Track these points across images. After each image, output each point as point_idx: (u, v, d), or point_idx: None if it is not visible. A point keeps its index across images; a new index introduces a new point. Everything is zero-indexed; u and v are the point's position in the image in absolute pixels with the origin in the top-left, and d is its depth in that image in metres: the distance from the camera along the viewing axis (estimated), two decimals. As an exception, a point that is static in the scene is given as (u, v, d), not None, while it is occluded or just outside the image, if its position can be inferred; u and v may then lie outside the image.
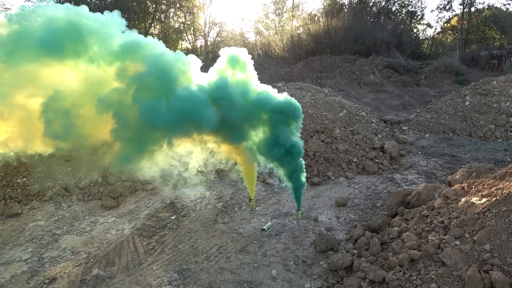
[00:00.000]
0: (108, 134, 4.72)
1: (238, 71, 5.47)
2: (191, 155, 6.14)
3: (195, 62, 5.34)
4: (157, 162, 5.44)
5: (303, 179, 5.79)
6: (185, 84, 5.00)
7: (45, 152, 5.26)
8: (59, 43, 4.50)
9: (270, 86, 5.60)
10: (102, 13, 5.01)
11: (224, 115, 5.07)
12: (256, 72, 5.63)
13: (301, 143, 5.66)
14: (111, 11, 5.08)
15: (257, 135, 5.54)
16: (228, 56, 5.44)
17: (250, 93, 5.33)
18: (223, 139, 5.51)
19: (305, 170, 5.88)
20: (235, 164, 6.44)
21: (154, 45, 5.05)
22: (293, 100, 5.51)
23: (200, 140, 5.53)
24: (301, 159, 5.70)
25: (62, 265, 5.13)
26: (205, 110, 4.87)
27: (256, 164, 6.16)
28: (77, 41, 4.59)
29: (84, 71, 4.79)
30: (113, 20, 5.01)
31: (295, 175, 5.70)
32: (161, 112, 4.68)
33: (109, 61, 4.75)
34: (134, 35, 5.04)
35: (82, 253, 5.43)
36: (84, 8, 4.81)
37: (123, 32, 5.04)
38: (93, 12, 5.00)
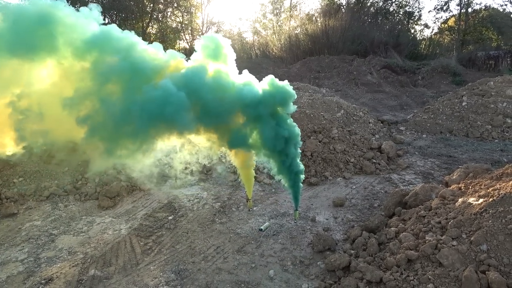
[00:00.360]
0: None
1: (219, 63, 5.10)
2: (176, 151, 6.03)
3: (174, 55, 5.03)
4: (138, 162, 5.30)
5: (299, 171, 5.65)
6: (159, 81, 4.64)
7: (15, 153, 5.13)
8: (29, 43, 4.30)
9: (252, 76, 5.34)
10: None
11: (202, 116, 4.84)
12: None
13: (296, 131, 5.41)
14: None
15: (246, 131, 5.30)
16: (208, 46, 5.04)
17: (230, 89, 4.99)
18: (208, 135, 5.32)
19: (300, 162, 5.70)
20: (222, 155, 6.28)
21: (125, 37, 4.73)
22: (278, 84, 5.20)
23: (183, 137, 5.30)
24: (296, 150, 5.50)
25: (58, 265, 5.10)
26: (182, 113, 4.58)
27: (254, 164, 6.15)
28: (47, 39, 4.36)
29: (55, 70, 4.58)
30: (90, 15, 4.77)
31: (290, 167, 5.55)
32: (132, 117, 4.42)
33: (77, 57, 4.50)
34: (105, 28, 4.72)
35: (78, 253, 5.40)
36: (58, 3, 4.56)
37: (100, 26, 4.80)
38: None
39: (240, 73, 5.36)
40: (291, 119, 5.52)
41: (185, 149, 6.02)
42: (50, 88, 4.64)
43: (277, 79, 5.30)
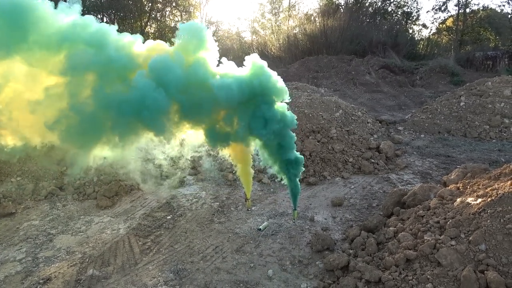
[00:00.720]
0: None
1: (199, 54, 4.84)
2: (163, 146, 5.96)
3: (154, 46, 4.78)
4: (119, 160, 5.20)
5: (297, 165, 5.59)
6: (133, 77, 4.36)
7: None
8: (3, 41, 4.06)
9: (233, 64, 5.18)
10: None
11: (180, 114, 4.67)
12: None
13: (291, 119, 5.25)
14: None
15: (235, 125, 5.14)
16: (187, 38, 4.76)
17: (208, 84, 4.73)
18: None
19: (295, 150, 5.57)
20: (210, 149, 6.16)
21: (99, 29, 4.43)
22: (263, 70, 5.04)
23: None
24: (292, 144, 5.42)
25: (57, 265, 5.09)
26: (158, 117, 4.37)
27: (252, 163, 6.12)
28: (17, 35, 4.08)
29: (26, 67, 4.31)
30: (69, 10, 4.49)
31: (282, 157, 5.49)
32: (106, 119, 4.24)
33: (47, 53, 4.24)
34: (76, 21, 4.37)
35: (77, 253, 5.39)
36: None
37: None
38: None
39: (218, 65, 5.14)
40: (282, 105, 5.40)
41: (170, 144, 5.89)
42: (23, 86, 4.37)
43: (258, 58, 5.21)
